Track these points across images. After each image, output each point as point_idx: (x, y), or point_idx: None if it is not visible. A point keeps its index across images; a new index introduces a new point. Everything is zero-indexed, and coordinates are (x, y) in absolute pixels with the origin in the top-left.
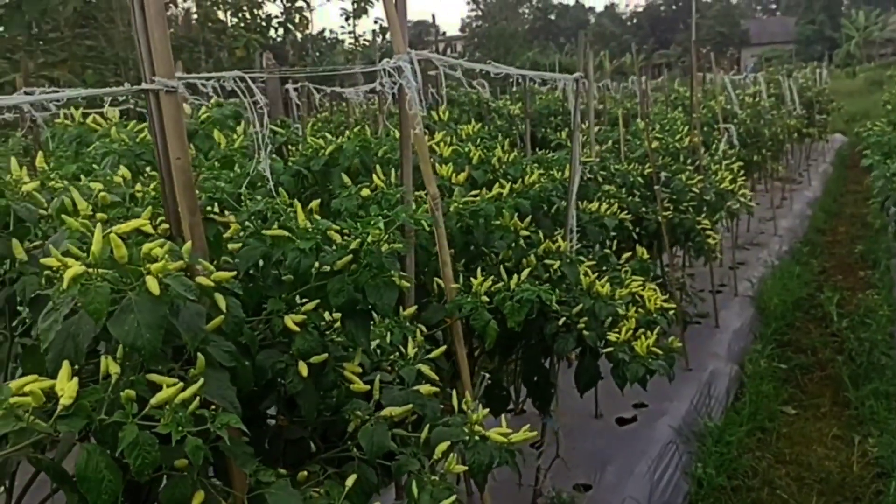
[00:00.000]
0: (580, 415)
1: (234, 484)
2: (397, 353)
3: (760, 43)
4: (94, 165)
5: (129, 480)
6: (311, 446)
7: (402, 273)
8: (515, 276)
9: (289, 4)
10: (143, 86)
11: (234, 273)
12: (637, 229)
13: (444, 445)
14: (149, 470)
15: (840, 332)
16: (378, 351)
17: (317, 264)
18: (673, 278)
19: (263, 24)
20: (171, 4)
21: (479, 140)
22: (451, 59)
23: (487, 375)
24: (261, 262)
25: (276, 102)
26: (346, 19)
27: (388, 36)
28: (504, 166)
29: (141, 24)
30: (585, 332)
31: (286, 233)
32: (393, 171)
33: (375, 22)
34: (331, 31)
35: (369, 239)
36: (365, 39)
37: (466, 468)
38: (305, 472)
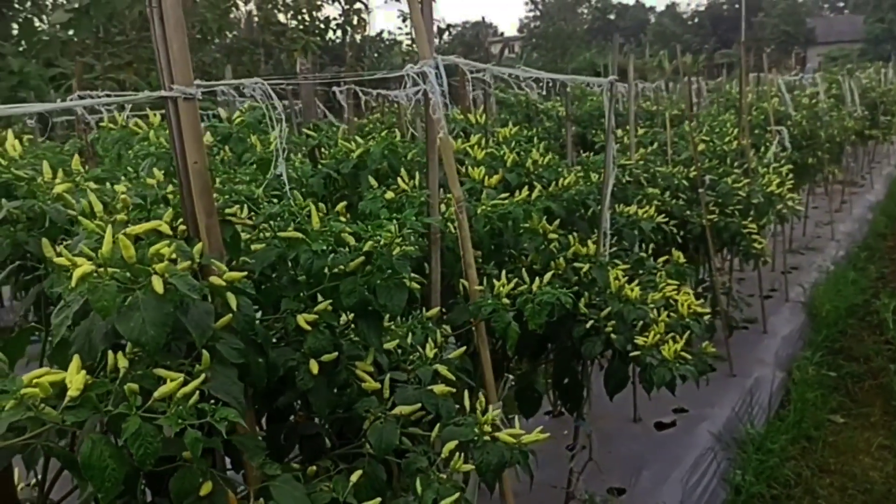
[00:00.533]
0: (618, 418)
1: (248, 476)
2: (418, 354)
3: (827, 42)
4: (129, 167)
5: (149, 471)
6: (326, 442)
7: (413, 275)
8: (538, 279)
9: (347, 7)
10: (162, 93)
11: (245, 273)
12: (681, 233)
13: (451, 444)
14: (151, 459)
15: (894, 341)
16: (399, 351)
17: (331, 265)
18: (719, 282)
19: (322, 26)
20: (233, 7)
21: (514, 143)
22: (477, 63)
23: (511, 378)
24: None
25: (311, 106)
26: (404, 20)
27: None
28: (539, 169)
29: (160, 35)
30: (613, 336)
31: (300, 234)
32: (417, 174)
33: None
34: (388, 33)
35: (382, 241)
36: None
37: (473, 467)
38: (315, 467)
